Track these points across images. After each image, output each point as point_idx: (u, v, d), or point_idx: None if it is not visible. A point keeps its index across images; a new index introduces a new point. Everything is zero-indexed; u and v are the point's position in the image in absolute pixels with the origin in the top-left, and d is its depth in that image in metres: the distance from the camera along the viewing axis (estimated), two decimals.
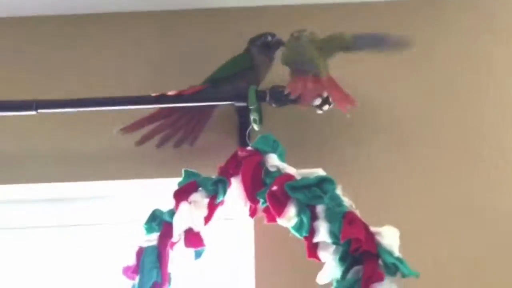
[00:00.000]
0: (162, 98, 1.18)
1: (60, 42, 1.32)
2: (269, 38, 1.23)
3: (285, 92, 1.13)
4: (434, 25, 1.30)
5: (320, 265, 0.99)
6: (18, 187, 1.25)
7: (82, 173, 1.24)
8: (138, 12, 1.33)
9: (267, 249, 1.16)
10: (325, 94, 1.14)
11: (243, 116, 1.22)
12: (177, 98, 1.18)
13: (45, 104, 1.18)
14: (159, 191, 1.23)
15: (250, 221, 1.15)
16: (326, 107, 1.17)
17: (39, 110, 1.18)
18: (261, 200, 1.03)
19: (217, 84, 1.21)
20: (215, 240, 1.09)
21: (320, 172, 1.02)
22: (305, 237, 0.99)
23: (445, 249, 1.15)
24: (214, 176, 1.09)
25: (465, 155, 1.21)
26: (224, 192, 1.07)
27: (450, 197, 1.19)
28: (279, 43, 1.23)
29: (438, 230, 1.17)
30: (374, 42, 1.15)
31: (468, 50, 1.28)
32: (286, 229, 1.03)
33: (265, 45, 1.22)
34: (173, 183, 1.11)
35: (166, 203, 1.09)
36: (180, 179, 1.10)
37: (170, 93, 1.19)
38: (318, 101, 1.17)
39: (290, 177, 1.02)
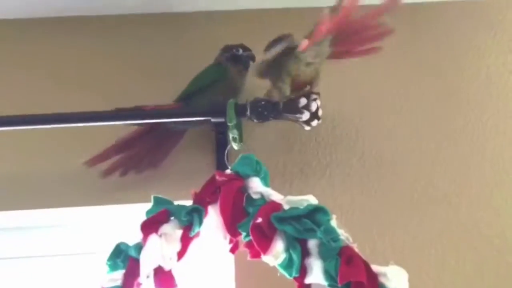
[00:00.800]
0: (136, 112, 1.04)
1: (12, 49, 1.17)
2: (240, 51, 1.10)
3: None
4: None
5: None
6: None
7: (38, 200, 1.08)
8: (100, 16, 1.18)
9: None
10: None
11: (221, 134, 1.08)
12: (152, 113, 1.04)
13: None
14: (125, 219, 1.09)
15: (230, 257, 1.00)
16: (315, 123, 1.04)
17: None
18: (243, 234, 0.89)
19: (190, 100, 1.08)
20: (189, 279, 0.94)
21: (311, 199, 0.88)
22: (295, 278, 0.84)
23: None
24: (188, 203, 0.95)
25: (460, 183, 1.11)
26: (200, 223, 0.92)
27: (452, 224, 1.08)
28: (250, 59, 1.10)
29: (436, 258, 1.06)
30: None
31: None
32: (272, 267, 0.88)
33: (235, 58, 1.10)
34: (141, 210, 0.97)
35: (133, 234, 0.95)
36: (149, 205, 0.96)
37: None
38: (306, 116, 1.03)
39: (276, 206, 0.88)
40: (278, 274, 0.87)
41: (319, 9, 1.14)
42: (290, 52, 1.02)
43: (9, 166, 1.11)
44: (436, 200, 1.09)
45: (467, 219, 1.08)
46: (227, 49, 1.11)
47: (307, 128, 1.04)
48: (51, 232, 1.15)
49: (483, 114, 1.15)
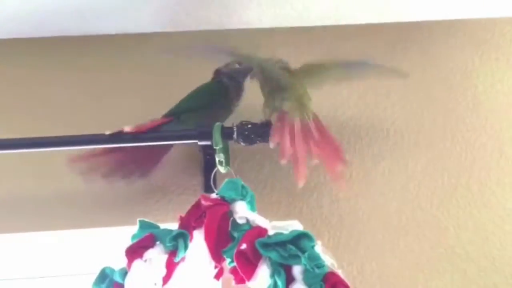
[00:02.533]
0: (117, 138, 1.04)
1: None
2: (236, 65, 1.11)
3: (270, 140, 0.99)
4: (417, 50, 1.20)
5: None
6: None
7: (20, 223, 1.08)
8: (87, 36, 1.18)
9: None
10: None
11: (208, 155, 1.08)
12: (134, 137, 1.03)
13: None
14: (110, 241, 1.09)
15: (217, 283, 1.00)
16: None
17: None
18: (228, 259, 0.89)
19: (181, 118, 1.07)
20: None
21: (296, 225, 0.88)
22: None
23: None
24: (175, 225, 0.95)
25: (448, 205, 1.11)
26: (185, 248, 0.92)
27: (440, 246, 1.08)
28: (247, 70, 1.10)
29: (424, 280, 1.06)
30: (362, 69, 1.04)
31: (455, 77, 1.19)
32: None
33: (233, 73, 1.10)
34: (126, 233, 0.96)
35: (118, 257, 0.94)
36: (134, 228, 0.95)
37: (127, 129, 1.04)
38: None
39: (261, 231, 0.88)
40: None
41: (314, 28, 1.19)
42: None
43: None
44: (424, 222, 1.09)
45: (455, 242, 1.08)
46: (223, 66, 1.11)
47: None
48: (35, 254, 1.14)
49: (471, 135, 1.15)
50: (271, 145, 0.99)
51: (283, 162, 0.98)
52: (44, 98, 1.15)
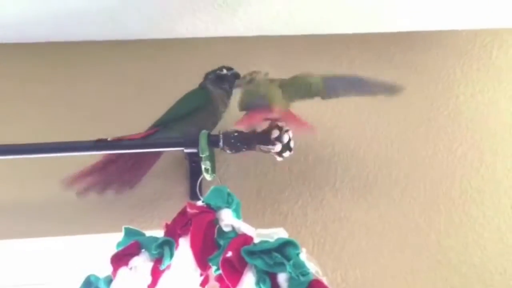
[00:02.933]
0: (103, 145, 1.04)
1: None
2: (224, 71, 1.11)
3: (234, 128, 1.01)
4: (402, 62, 1.22)
5: None
6: None
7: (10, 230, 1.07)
8: (78, 42, 1.18)
9: None
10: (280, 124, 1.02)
11: (194, 163, 1.09)
12: (120, 145, 1.04)
13: None
14: (95, 248, 1.08)
15: None
16: (286, 154, 1.05)
17: None
18: (214, 267, 0.89)
19: (168, 126, 1.08)
20: None
21: (282, 233, 0.89)
22: None
23: None
24: (160, 233, 0.95)
25: (430, 212, 1.13)
26: (171, 255, 0.92)
27: (422, 253, 1.10)
28: (235, 77, 1.11)
29: (408, 286, 1.07)
30: (350, 87, 1.04)
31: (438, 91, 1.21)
32: None
33: (220, 79, 1.11)
34: (112, 240, 0.96)
35: (103, 264, 0.94)
36: (120, 234, 0.95)
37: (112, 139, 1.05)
38: (278, 148, 1.05)
39: (247, 239, 0.89)
40: None
41: (303, 37, 1.20)
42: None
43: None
44: (407, 230, 1.11)
45: (437, 249, 1.10)
46: (211, 72, 1.12)
47: (279, 159, 1.05)
48: (20, 262, 1.13)
49: (452, 143, 1.17)
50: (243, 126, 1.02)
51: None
52: (38, 105, 1.15)
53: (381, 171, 1.15)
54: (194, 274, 0.93)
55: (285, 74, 1.07)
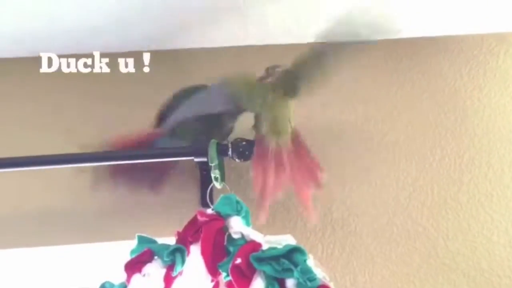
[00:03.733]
0: (110, 156, 1.07)
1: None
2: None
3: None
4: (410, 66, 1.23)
5: None
6: None
7: (23, 238, 1.11)
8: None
9: None
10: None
11: (205, 171, 1.11)
12: (128, 155, 1.07)
13: None
14: (108, 256, 1.12)
15: None
16: None
17: None
18: (224, 273, 0.92)
19: (178, 130, 1.10)
20: None
21: (289, 239, 0.91)
22: None
23: None
24: (172, 240, 0.98)
25: (438, 216, 1.13)
26: (183, 262, 0.95)
27: (430, 257, 1.11)
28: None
29: None
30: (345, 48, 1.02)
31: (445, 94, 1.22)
32: None
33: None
34: (124, 247, 0.99)
35: (117, 272, 0.97)
36: (133, 242, 0.99)
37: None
38: None
39: (256, 246, 0.91)
40: None
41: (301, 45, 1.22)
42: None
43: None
44: (415, 234, 1.12)
45: (445, 253, 1.10)
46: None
47: None
48: (36, 270, 1.16)
49: (460, 148, 1.18)
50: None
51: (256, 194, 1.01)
52: (46, 116, 1.19)
53: (389, 175, 1.16)
54: (205, 280, 0.97)
55: None
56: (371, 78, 1.22)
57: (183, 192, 1.14)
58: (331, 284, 0.88)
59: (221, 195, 0.99)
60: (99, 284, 0.97)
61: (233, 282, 0.89)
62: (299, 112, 1.08)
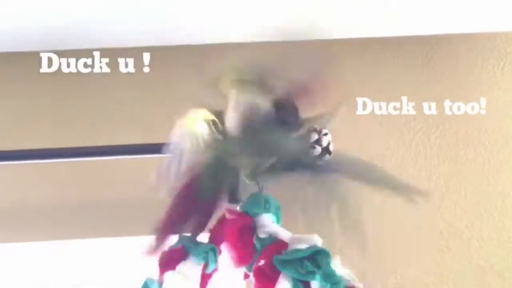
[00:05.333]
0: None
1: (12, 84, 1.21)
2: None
3: None
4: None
5: None
6: None
7: (45, 232, 1.13)
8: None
9: None
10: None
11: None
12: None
13: None
14: (132, 250, 1.13)
15: None
16: (326, 157, 1.06)
17: None
18: (251, 274, 0.91)
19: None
20: None
21: (315, 239, 0.89)
22: None
23: None
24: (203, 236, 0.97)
25: (472, 217, 1.13)
26: (215, 261, 0.94)
27: (464, 258, 1.10)
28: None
29: None
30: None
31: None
32: None
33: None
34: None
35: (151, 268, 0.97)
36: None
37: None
38: (317, 151, 1.06)
39: (281, 246, 0.89)
40: None
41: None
42: None
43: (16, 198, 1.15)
44: (448, 235, 1.10)
45: (479, 254, 1.08)
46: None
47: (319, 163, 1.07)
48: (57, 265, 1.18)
49: (493, 147, 1.15)
50: None
51: None
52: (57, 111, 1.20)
53: (420, 175, 1.15)
54: (238, 278, 0.97)
55: None
56: (402, 74, 1.21)
57: None
58: (360, 286, 0.86)
59: (250, 193, 0.99)
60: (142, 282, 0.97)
61: (257, 284, 0.88)
62: None
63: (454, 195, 1.13)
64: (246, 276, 0.96)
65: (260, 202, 0.96)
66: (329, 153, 1.06)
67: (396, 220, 1.12)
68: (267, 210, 0.96)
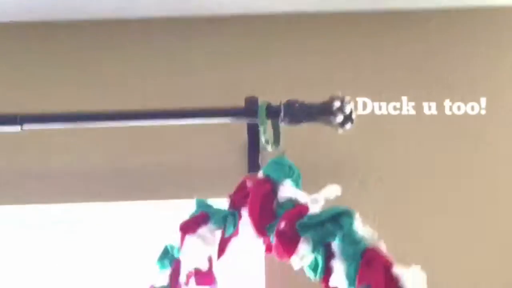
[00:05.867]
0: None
1: (48, 49, 1.20)
2: None
3: None
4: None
5: None
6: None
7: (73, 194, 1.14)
8: (140, 19, 1.21)
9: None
10: None
11: (254, 134, 1.09)
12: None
13: (31, 119, 1.07)
14: (155, 214, 1.15)
15: (261, 258, 1.04)
16: (348, 126, 1.05)
17: (24, 126, 1.06)
18: (271, 236, 0.91)
19: None
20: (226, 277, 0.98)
21: (334, 189, 0.89)
22: (321, 279, 0.86)
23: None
24: (221, 201, 0.98)
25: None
26: (235, 226, 0.95)
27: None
28: None
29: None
30: None
31: None
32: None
33: None
34: (171, 206, 1.07)
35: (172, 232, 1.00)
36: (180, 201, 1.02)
37: None
38: (340, 119, 1.05)
39: (302, 210, 0.89)
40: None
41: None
42: None
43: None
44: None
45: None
46: None
47: (340, 131, 1.06)
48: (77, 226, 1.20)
49: (494, 147, 1.13)
50: None
51: None
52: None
53: (420, 174, 1.13)
54: (257, 243, 0.96)
55: None
56: (446, 49, 1.18)
57: (231, 156, 1.13)
58: (381, 243, 0.85)
59: (272, 159, 0.98)
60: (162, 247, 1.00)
61: (279, 245, 0.88)
62: None
63: (474, 169, 1.12)
64: (268, 249, 0.96)
65: (283, 167, 0.95)
66: (352, 121, 1.04)
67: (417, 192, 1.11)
68: (289, 175, 0.95)
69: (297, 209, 0.89)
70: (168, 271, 0.97)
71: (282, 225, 0.87)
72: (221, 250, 0.96)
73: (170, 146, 1.16)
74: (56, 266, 1.20)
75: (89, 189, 1.15)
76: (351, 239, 0.83)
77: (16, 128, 1.06)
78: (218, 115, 1.08)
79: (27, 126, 1.07)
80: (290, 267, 0.89)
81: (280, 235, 0.87)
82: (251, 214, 0.91)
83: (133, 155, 1.15)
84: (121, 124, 1.10)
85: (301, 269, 0.88)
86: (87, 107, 1.11)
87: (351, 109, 1.04)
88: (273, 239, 0.90)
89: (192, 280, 0.95)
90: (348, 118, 1.04)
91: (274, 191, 0.94)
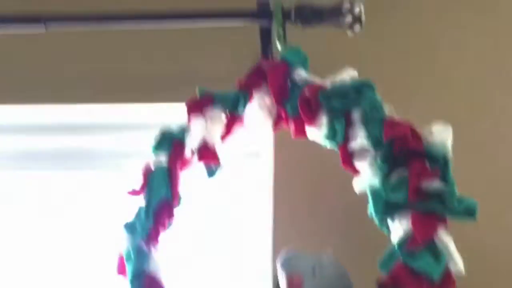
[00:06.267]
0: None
1: None
2: None
3: None
4: None
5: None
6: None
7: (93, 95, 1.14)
8: None
9: (286, 182, 1.05)
10: None
11: (265, 37, 1.09)
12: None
13: (56, 19, 1.06)
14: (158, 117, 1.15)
15: (270, 155, 1.04)
16: (357, 28, 1.08)
17: (48, 27, 1.05)
18: (289, 110, 0.93)
19: None
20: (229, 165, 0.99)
21: (352, 72, 0.91)
22: (340, 146, 0.87)
23: None
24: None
25: None
26: (244, 105, 0.96)
27: None
28: None
29: None
30: None
31: None
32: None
33: None
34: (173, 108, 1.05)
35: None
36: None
37: None
38: (349, 19, 1.07)
39: (322, 85, 0.91)
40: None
41: None
42: None
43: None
44: None
45: None
46: None
47: (350, 33, 1.08)
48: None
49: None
50: None
51: None
52: None
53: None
54: (265, 125, 0.98)
55: None
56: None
57: (242, 60, 1.11)
58: (398, 117, 0.87)
59: (289, 47, 1.00)
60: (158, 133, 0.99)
61: (301, 112, 0.89)
62: None
63: None
64: (277, 126, 0.98)
65: (300, 54, 0.98)
66: (361, 22, 1.07)
67: None
68: (303, 64, 0.97)
69: (318, 84, 0.91)
70: (165, 153, 0.96)
71: (306, 92, 0.89)
72: (228, 131, 0.97)
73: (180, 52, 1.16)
74: None
75: (96, 91, 1.15)
76: (375, 106, 0.86)
77: (40, 29, 1.06)
78: (231, 17, 1.09)
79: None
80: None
81: (304, 103, 0.89)
82: (272, 85, 0.92)
83: (144, 61, 1.16)
84: (133, 26, 1.09)
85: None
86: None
87: (360, 10, 1.07)
88: (291, 110, 0.92)
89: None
90: (357, 20, 1.07)
91: (289, 74, 0.96)
